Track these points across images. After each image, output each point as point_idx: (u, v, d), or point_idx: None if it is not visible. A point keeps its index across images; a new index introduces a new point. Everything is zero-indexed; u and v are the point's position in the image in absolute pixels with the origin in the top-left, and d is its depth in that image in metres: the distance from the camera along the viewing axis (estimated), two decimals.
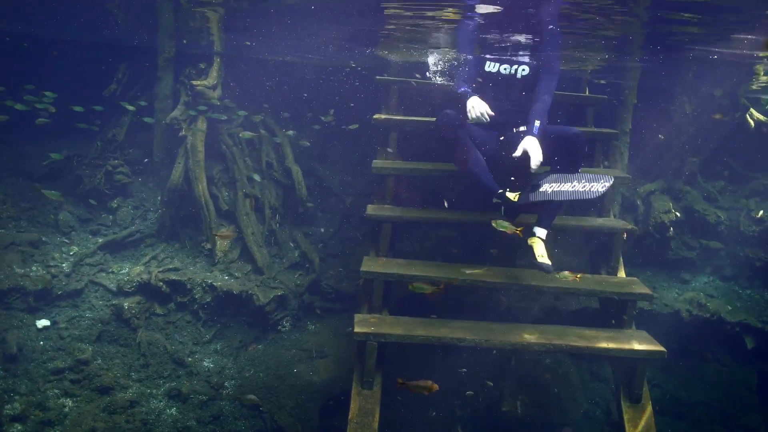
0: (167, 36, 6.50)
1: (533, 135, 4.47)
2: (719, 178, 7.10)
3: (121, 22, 6.50)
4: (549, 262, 4.57)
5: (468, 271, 4.77)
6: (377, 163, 5.40)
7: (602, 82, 6.53)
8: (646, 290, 4.80)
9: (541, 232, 4.68)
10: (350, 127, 6.48)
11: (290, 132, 6.74)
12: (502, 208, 4.63)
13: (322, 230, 6.86)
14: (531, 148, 4.41)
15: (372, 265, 4.88)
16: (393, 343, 4.54)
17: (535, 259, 4.58)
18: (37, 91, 6.05)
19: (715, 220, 6.73)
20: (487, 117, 4.63)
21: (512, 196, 4.57)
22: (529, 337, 4.50)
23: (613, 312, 4.92)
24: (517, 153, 4.45)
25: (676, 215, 6.72)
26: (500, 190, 4.64)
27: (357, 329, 4.48)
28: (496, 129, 4.89)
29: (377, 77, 6.09)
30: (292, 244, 6.57)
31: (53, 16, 6.24)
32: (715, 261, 6.80)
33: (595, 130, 5.75)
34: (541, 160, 4.40)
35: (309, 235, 6.78)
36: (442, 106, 5.19)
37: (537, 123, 4.53)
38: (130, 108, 6.29)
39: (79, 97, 6.26)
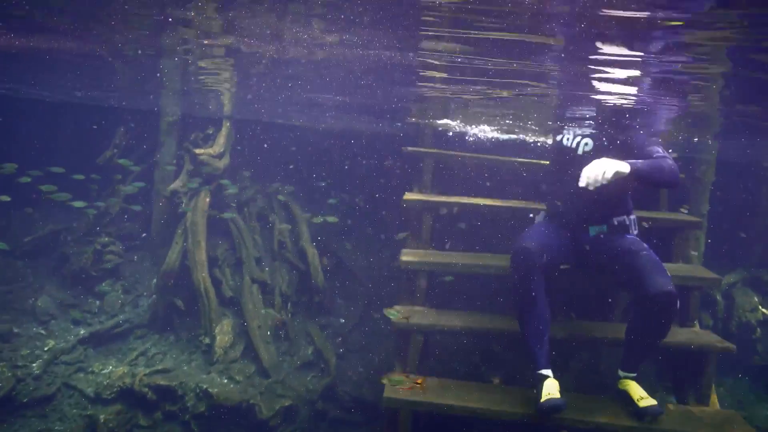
0: (172, 97, 5.77)
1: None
2: None
3: (123, 81, 5.80)
4: (654, 402, 3.63)
5: (517, 408, 3.72)
6: (407, 255, 4.44)
7: (674, 155, 5.54)
8: None
9: (630, 374, 3.75)
10: (399, 236, 5.55)
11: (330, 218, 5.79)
12: (537, 392, 3.57)
13: (342, 321, 5.89)
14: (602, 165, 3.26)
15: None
16: None
17: (636, 405, 3.60)
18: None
19: None
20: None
21: (552, 390, 3.51)
22: None
23: None
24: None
25: (764, 313, 5.62)
26: (546, 369, 3.59)
27: None
28: (564, 227, 3.92)
29: (407, 148, 5.20)
30: (305, 340, 5.61)
31: (43, 76, 5.56)
32: None
33: (673, 217, 4.73)
34: (599, 179, 3.25)
35: (326, 327, 5.81)
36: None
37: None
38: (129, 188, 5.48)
39: (73, 163, 5.52)
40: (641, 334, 3.59)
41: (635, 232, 3.85)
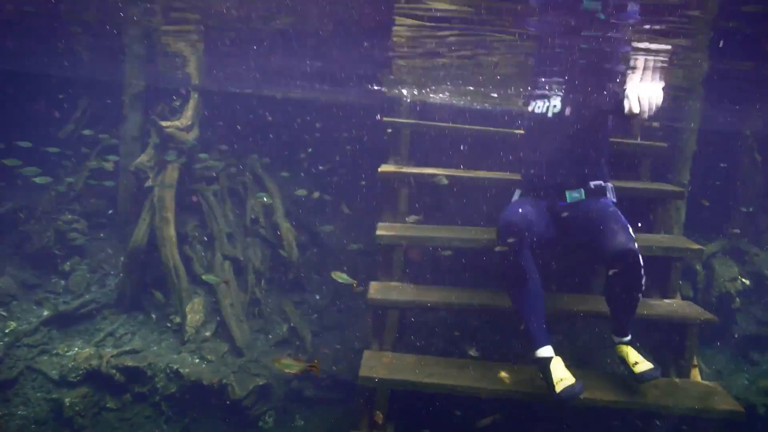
0: (136, 68, 5.49)
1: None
2: None
3: (83, 52, 5.51)
4: (650, 366, 3.52)
5: (497, 385, 3.62)
6: (383, 228, 4.29)
7: (655, 125, 5.43)
8: (735, 406, 3.64)
9: (625, 338, 3.65)
10: (344, 210, 5.44)
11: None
12: (546, 377, 3.35)
13: (317, 297, 5.74)
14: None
15: (374, 366, 3.74)
16: None
17: (631, 370, 3.51)
18: None
19: None
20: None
21: (563, 372, 3.29)
22: None
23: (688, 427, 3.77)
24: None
25: (744, 283, 5.58)
26: (545, 347, 3.38)
27: None
28: (542, 196, 3.81)
29: (384, 118, 5.02)
30: (279, 317, 5.45)
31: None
32: None
33: (655, 187, 4.61)
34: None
35: (301, 304, 5.65)
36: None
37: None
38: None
39: (30, 137, 5.24)
40: (616, 296, 3.52)
41: (613, 200, 3.77)
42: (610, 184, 3.81)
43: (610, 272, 3.39)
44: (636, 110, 3.09)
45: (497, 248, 3.47)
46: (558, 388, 3.18)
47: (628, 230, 3.41)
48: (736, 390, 5.09)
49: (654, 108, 3.07)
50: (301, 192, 5.64)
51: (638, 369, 3.53)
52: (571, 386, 3.18)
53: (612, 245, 3.29)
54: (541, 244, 3.63)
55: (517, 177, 4.30)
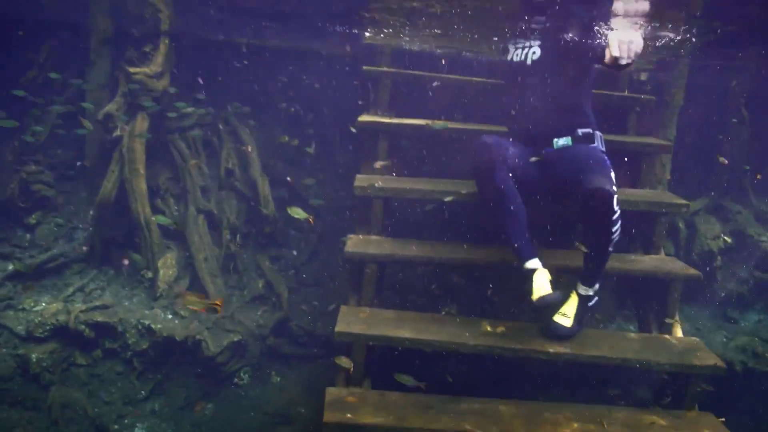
0: (102, 10, 5.19)
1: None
2: None
3: None
4: (568, 324, 3.50)
5: (477, 340, 3.53)
6: (361, 180, 4.14)
7: (642, 78, 5.29)
8: (716, 361, 3.60)
9: (583, 288, 3.51)
10: (308, 149, 5.32)
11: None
12: (528, 287, 3.40)
13: (295, 253, 5.61)
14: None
15: (351, 321, 3.64)
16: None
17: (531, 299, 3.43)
18: None
19: None
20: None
21: (543, 283, 3.35)
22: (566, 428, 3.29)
23: (668, 383, 3.73)
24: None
25: (726, 241, 5.55)
26: (531, 259, 3.44)
27: (328, 416, 3.25)
28: (529, 144, 3.70)
29: (364, 67, 4.81)
30: (255, 272, 5.32)
31: None
32: None
33: (641, 140, 4.50)
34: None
35: (277, 259, 5.52)
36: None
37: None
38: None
39: None
40: (586, 238, 3.44)
41: (602, 149, 3.67)
42: (598, 133, 3.72)
43: (581, 211, 3.31)
44: (616, 54, 2.95)
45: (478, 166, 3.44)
46: (534, 297, 3.30)
47: (608, 173, 3.33)
48: (715, 347, 5.10)
49: (634, 55, 2.95)
50: (283, 139, 5.46)
51: (556, 318, 3.52)
52: (547, 295, 3.28)
53: (587, 182, 3.21)
54: (522, 182, 3.55)
55: (499, 129, 4.19)
